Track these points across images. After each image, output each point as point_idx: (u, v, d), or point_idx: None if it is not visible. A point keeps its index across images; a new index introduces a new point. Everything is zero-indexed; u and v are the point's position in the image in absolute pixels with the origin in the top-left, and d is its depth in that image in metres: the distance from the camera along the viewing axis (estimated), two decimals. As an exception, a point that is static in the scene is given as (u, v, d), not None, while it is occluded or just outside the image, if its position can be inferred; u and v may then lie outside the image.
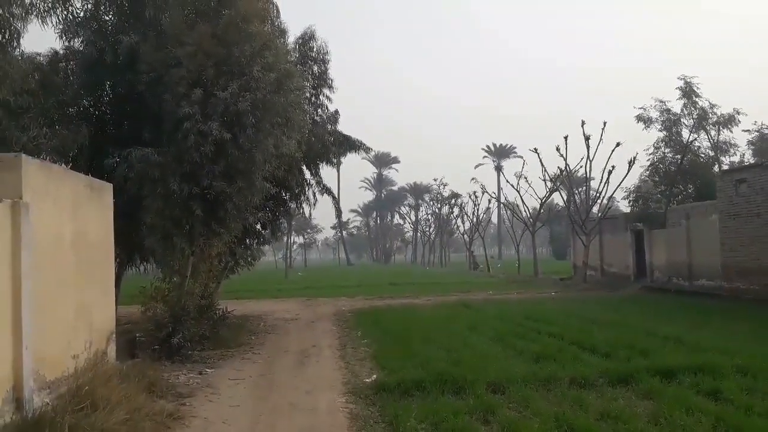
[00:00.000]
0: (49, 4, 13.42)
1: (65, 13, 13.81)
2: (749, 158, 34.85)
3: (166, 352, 12.10)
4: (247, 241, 18.46)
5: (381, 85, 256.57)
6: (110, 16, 14.57)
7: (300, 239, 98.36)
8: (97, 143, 13.49)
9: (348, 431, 7.37)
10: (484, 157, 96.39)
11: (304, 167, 19.45)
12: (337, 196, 25.51)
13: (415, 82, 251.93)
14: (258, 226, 18.45)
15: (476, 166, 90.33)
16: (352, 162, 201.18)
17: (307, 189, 20.40)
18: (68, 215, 8.49)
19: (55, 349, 7.86)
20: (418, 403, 8.17)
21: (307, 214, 28.11)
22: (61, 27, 13.80)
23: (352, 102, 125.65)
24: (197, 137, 11.92)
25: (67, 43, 14.13)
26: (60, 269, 8.19)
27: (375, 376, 10.07)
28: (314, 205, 21.75)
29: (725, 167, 30.75)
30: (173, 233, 12.55)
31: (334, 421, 7.83)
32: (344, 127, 21.94)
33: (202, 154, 12.02)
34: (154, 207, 12.36)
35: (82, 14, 14.12)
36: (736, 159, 33.90)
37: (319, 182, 21.33)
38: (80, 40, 14.18)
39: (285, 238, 61.04)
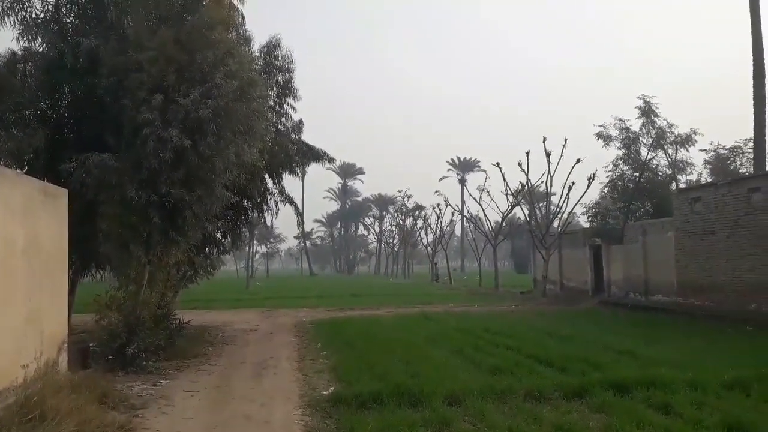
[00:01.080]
0: (7, 5, 13.19)
1: (24, 14, 13.56)
2: (705, 177, 35.74)
3: (120, 362, 11.86)
4: (207, 249, 18.26)
5: (348, 87, 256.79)
6: (71, 18, 14.30)
7: (263, 249, 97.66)
8: (54, 147, 13.21)
9: (302, 444, 7.30)
10: (449, 170, 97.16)
11: (266, 176, 19.33)
12: (300, 206, 25.50)
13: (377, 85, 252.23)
14: (218, 235, 18.28)
15: (440, 179, 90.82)
16: (316, 172, 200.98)
17: (269, 198, 20.32)
18: (20, 220, 8.30)
19: (2, 359, 7.65)
20: (375, 415, 8.13)
21: (269, 224, 27.97)
22: (20, 28, 13.53)
23: (317, 109, 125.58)
24: (156, 144, 11.76)
25: (25, 45, 13.85)
26: (9, 275, 7.99)
27: (333, 388, 10.00)
28: (276, 214, 21.73)
29: (682, 185, 31.51)
30: (130, 241, 12.35)
31: (289, 434, 7.76)
32: (309, 137, 21.91)
33: (161, 161, 11.86)
34: (111, 213, 12.15)
35: (42, 15, 13.84)
36: (692, 177, 34.77)
37: (282, 192, 21.24)
38: (39, 41, 13.89)
39: (247, 248, 60.46)
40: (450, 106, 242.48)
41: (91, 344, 12.49)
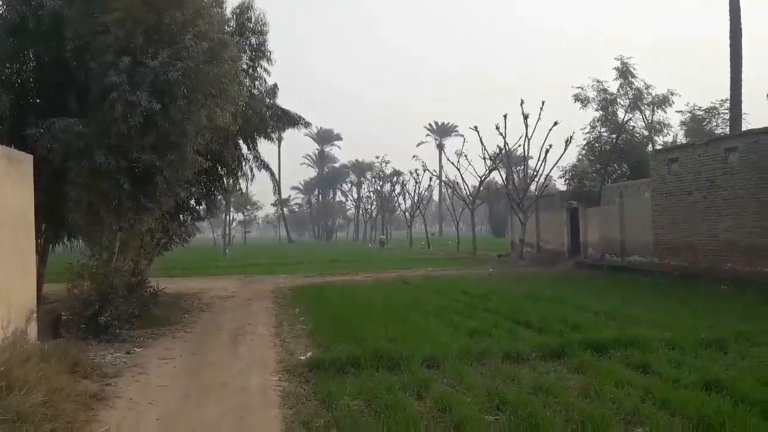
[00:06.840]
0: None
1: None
2: (681, 138, 35.96)
3: (92, 331, 11.64)
4: (181, 217, 17.98)
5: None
6: (32, -21, 13.72)
7: (240, 216, 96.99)
8: (19, 113, 12.76)
9: (279, 409, 7.19)
10: (427, 135, 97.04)
11: (240, 141, 18.97)
12: (277, 172, 25.24)
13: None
14: (192, 202, 17.97)
15: (418, 144, 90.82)
16: (293, 139, 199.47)
17: (244, 164, 20.00)
18: (-19, 187, 8.00)
19: (-34, 329, 7.42)
20: (353, 380, 8.08)
21: (244, 190, 27.65)
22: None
23: (293, 75, 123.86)
24: (125, 108, 11.36)
25: (-16, 7, 13.29)
26: (-28, 244, 7.72)
27: (310, 353, 9.92)
28: (252, 180, 21.48)
29: (658, 147, 31.65)
30: (100, 208, 12.00)
31: (266, 400, 7.66)
32: (286, 105, 21.42)
33: (130, 126, 11.46)
34: (79, 180, 11.79)
35: (1, -24, 13.28)
36: (669, 139, 35.03)
37: (257, 157, 20.95)
38: (0, 3, 13.34)
39: (223, 215, 60.02)
40: (429, 70, 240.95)
41: (63, 313, 12.26)
